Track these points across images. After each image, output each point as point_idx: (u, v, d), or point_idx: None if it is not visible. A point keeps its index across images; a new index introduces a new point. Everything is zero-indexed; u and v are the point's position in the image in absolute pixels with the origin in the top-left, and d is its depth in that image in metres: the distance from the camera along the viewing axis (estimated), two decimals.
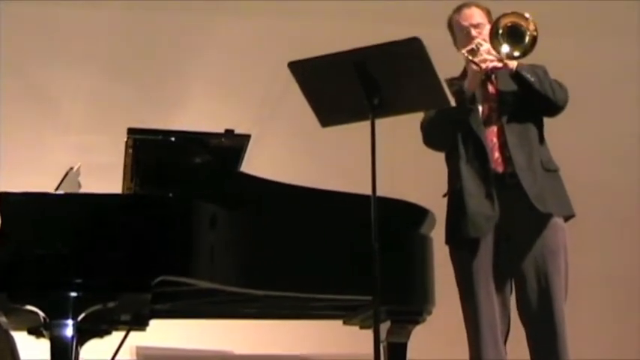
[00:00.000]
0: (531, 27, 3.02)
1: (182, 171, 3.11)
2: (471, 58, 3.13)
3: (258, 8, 4.88)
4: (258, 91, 4.84)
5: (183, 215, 2.81)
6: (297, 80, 2.92)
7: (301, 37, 4.66)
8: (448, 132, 3.19)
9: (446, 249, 3.28)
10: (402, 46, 2.78)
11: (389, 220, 2.89)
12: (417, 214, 3.30)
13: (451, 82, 3.20)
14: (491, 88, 3.23)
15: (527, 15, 3.04)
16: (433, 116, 3.19)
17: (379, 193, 2.79)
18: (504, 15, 3.07)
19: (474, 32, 3.21)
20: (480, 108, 3.19)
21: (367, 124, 2.84)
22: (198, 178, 3.10)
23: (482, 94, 3.21)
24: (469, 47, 3.16)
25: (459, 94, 3.13)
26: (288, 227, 3.06)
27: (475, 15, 3.25)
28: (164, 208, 2.79)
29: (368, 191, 2.80)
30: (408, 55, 2.78)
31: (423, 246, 3.28)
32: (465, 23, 3.24)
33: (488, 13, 3.27)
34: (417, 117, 3.27)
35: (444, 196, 3.25)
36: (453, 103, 3.08)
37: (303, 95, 2.95)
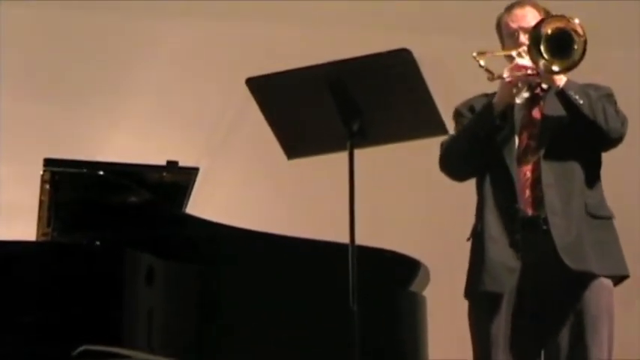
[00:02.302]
0: (579, 31, 2.99)
1: (112, 213, 3.12)
2: (481, 63, 3.13)
3: (210, 9, 4.90)
4: (208, 113, 4.86)
5: (114, 268, 2.81)
6: (257, 101, 2.95)
7: (264, 46, 4.70)
8: (471, 158, 3.19)
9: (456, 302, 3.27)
10: (388, 59, 2.82)
11: (371, 274, 2.90)
12: (406, 267, 3.32)
13: (487, 97, 3.20)
14: (535, 112, 3.22)
15: (576, 21, 3.01)
16: (456, 135, 3.20)
17: (359, 240, 2.81)
18: (547, 19, 3.07)
19: (522, 37, 3.20)
20: (517, 136, 3.17)
21: (344, 155, 2.87)
22: (132, 222, 3.11)
23: (523, 118, 3.20)
24: (506, 52, 3.18)
25: (486, 109, 3.14)
26: (245, 283, 3.07)
27: (527, 16, 3.24)
28: (89, 260, 2.80)
29: (344, 238, 2.82)
30: (394, 70, 2.82)
31: (413, 307, 3.31)
32: (514, 26, 3.25)
33: (546, 14, 3.22)
34: (405, 145, 3.26)
35: (468, 239, 3.25)
36: (451, 130, 3.12)
37: (264, 119, 2.99)
